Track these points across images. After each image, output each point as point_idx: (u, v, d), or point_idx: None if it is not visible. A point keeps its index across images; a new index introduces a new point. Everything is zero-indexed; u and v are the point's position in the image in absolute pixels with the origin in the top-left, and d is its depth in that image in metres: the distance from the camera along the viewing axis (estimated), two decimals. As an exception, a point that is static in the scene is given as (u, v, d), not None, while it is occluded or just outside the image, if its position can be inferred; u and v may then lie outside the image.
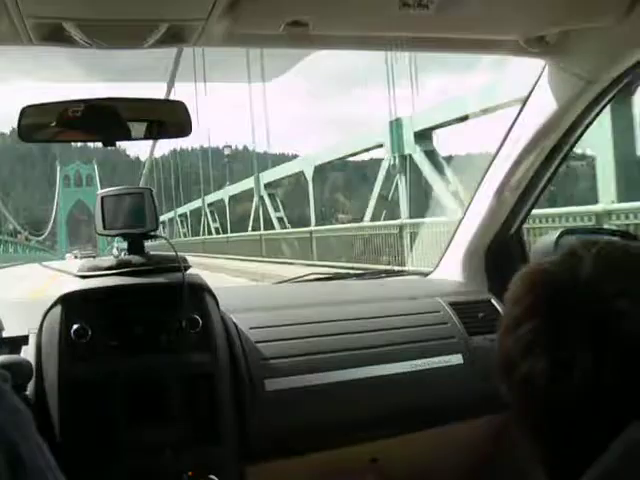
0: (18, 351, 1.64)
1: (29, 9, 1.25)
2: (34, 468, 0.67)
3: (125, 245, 1.79)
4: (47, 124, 1.67)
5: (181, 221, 48.25)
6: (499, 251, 2.24)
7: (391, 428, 1.91)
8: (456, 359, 1.99)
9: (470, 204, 2.27)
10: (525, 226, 2.31)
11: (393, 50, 1.63)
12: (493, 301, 2.16)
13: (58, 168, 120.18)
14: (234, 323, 1.82)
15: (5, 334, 1.63)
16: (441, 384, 1.96)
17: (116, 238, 1.80)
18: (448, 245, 2.38)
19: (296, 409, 1.79)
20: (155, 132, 1.73)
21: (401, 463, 1.98)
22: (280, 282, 2.58)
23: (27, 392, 1.55)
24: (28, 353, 1.64)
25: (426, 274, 2.48)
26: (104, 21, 1.33)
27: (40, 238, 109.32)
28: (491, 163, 2.16)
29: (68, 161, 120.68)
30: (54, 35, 1.35)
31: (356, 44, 1.58)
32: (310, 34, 1.44)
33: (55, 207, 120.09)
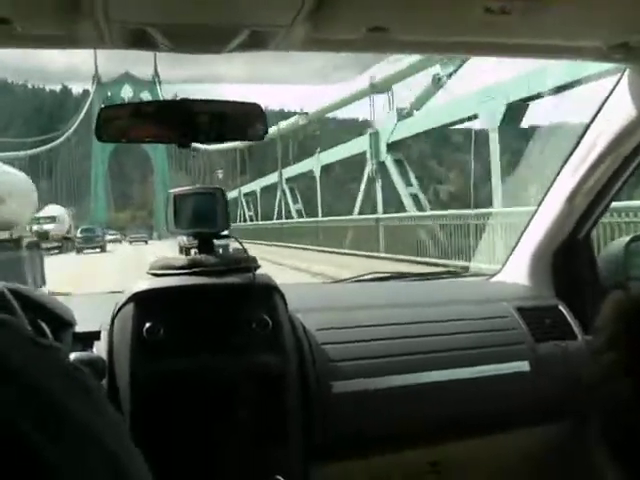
0: (90, 346, 1.67)
1: (115, 14, 1.26)
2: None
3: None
4: (122, 124, 1.69)
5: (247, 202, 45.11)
6: (567, 256, 2.20)
7: (453, 433, 1.90)
8: (522, 366, 1.96)
9: (539, 207, 2.23)
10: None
11: (473, 55, 1.60)
12: (560, 307, 2.12)
13: (92, 88, 77.47)
14: (301, 324, 1.83)
15: (77, 329, 1.66)
16: (506, 391, 1.94)
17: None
18: (514, 247, 2.34)
19: (361, 412, 1.80)
20: (230, 134, 1.74)
21: (461, 468, 1.97)
22: (340, 280, 2.57)
23: None
24: (100, 349, 1.67)
25: (490, 275, 2.45)
26: (187, 26, 1.33)
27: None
28: (562, 166, 2.11)
29: (112, 78, 78.14)
30: (137, 39, 1.36)
31: (435, 49, 1.56)
32: (390, 39, 1.43)
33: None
